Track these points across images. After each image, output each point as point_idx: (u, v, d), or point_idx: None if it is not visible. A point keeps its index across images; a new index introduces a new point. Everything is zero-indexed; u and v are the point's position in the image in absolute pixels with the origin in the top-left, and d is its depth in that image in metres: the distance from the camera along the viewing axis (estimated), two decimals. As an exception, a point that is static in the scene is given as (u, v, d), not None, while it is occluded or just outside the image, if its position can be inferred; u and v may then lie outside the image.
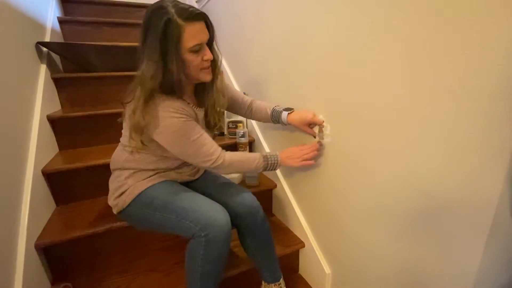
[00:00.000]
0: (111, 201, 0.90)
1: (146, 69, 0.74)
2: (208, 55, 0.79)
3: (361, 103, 0.78)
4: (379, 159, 0.76)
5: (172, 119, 0.76)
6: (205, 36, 0.77)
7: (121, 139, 0.92)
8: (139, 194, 0.85)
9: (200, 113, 0.90)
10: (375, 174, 0.78)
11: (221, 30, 1.75)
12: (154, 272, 1.03)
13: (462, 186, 0.57)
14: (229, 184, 1.00)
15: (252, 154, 0.92)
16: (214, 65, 0.86)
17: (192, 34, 0.73)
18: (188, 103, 0.85)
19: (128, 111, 0.80)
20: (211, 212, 0.78)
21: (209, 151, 0.84)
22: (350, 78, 0.80)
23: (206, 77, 0.82)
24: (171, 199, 0.83)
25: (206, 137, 0.84)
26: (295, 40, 1.02)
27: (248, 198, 0.93)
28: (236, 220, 0.92)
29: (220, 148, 0.87)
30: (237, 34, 1.52)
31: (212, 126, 0.95)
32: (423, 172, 0.64)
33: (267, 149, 1.38)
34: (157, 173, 0.90)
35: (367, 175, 0.81)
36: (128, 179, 0.88)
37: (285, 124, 1.02)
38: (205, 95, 0.89)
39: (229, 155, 0.88)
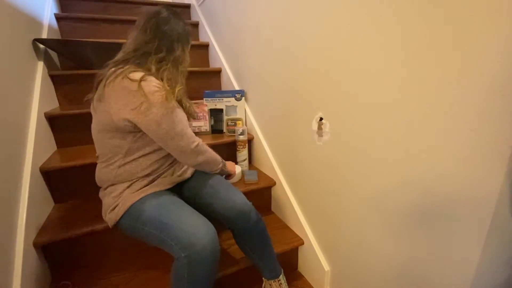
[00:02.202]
0: (106, 216, 0.87)
1: (181, 56, 0.91)
2: None
3: (360, 100, 0.78)
4: (378, 156, 0.76)
5: (161, 92, 0.78)
6: None
7: (100, 157, 0.89)
8: (130, 207, 0.82)
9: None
10: (374, 171, 0.78)
11: (219, 28, 1.74)
12: (153, 269, 1.03)
13: (461, 184, 0.57)
14: (220, 186, 0.97)
15: (218, 157, 1.00)
16: None
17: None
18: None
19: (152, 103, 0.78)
20: (193, 230, 0.74)
21: (191, 132, 0.88)
22: (349, 75, 0.80)
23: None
24: (157, 214, 0.79)
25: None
26: (294, 36, 1.01)
27: (239, 202, 0.91)
28: (228, 224, 0.92)
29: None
30: (235, 31, 1.51)
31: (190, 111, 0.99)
32: (422, 170, 0.64)
33: (266, 147, 1.37)
34: (150, 181, 0.88)
35: (366, 173, 0.81)
36: (123, 192, 0.85)
37: None
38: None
39: (204, 145, 0.92)
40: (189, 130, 0.87)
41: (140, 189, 0.86)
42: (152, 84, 0.78)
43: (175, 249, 0.73)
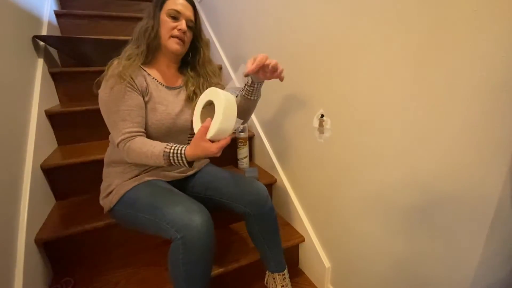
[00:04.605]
0: (101, 201, 0.91)
1: (139, 27, 0.87)
2: (182, 26, 0.86)
3: (362, 97, 0.77)
4: (379, 153, 0.75)
5: (111, 78, 0.79)
6: (186, 11, 0.88)
7: (109, 136, 0.93)
8: (124, 195, 0.85)
9: (169, 92, 0.93)
10: (375, 168, 0.77)
11: (220, 24, 1.73)
12: (155, 266, 1.03)
13: (463, 180, 0.57)
14: (235, 175, 1.00)
15: (156, 150, 0.77)
16: (200, 50, 0.96)
17: (174, 1, 0.87)
18: (149, 75, 0.89)
19: None
20: (186, 213, 0.75)
21: (124, 129, 0.79)
22: (351, 72, 0.79)
23: (173, 45, 0.88)
24: (151, 200, 0.81)
25: (134, 116, 0.80)
26: (295, 34, 1.01)
27: (257, 187, 0.94)
28: (245, 209, 0.93)
29: (137, 132, 0.81)
30: (235, 28, 1.50)
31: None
32: (423, 167, 0.64)
33: (267, 144, 1.37)
34: (142, 171, 0.90)
35: (367, 170, 0.80)
36: (115, 178, 0.88)
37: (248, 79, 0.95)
38: (188, 72, 0.98)
39: (134, 143, 0.78)
40: (121, 124, 0.79)
41: (133, 177, 0.88)
42: (113, 65, 0.82)
43: (171, 231, 0.74)
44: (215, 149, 0.70)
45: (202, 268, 0.76)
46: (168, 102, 0.90)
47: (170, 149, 0.76)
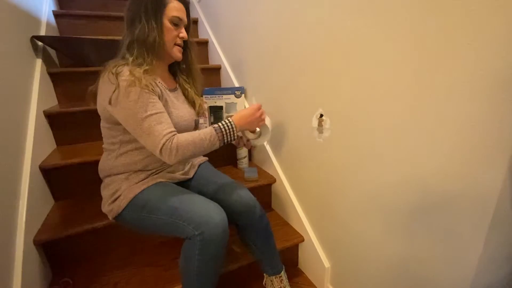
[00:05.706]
0: (105, 208, 0.88)
1: (142, 31, 0.81)
2: (183, 34, 0.88)
3: (361, 97, 0.77)
4: (378, 153, 0.75)
5: (132, 87, 0.75)
6: (185, 17, 0.89)
7: (104, 147, 0.91)
8: (134, 198, 0.83)
9: (172, 95, 0.92)
10: (375, 168, 0.77)
11: (219, 24, 1.73)
12: (154, 267, 1.03)
13: (463, 180, 0.57)
14: (225, 181, 0.99)
15: (204, 131, 0.81)
16: (188, 52, 0.97)
17: (175, 8, 0.85)
18: (155, 79, 0.86)
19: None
20: (205, 211, 0.76)
21: (164, 131, 0.76)
22: (350, 72, 0.79)
23: (177, 54, 0.90)
24: (164, 200, 0.81)
25: (166, 117, 0.79)
26: (294, 34, 1.01)
27: (244, 196, 0.92)
28: (233, 218, 0.92)
29: (174, 132, 0.79)
30: (234, 28, 1.50)
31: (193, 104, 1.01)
32: (423, 167, 0.64)
33: (266, 144, 1.37)
34: (149, 175, 0.89)
35: (366, 170, 0.80)
36: (122, 184, 0.86)
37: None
38: (181, 74, 1.00)
39: (177, 139, 0.77)
40: (158, 127, 0.76)
41: (140, 181, 0.87)
42: (125, 73, 0.76)
43: (188, 229, 0.75)
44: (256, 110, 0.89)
45: (215, 264, 0.78)
46: (177, 106, 0.91)
47: (218, 123, 0.83)
